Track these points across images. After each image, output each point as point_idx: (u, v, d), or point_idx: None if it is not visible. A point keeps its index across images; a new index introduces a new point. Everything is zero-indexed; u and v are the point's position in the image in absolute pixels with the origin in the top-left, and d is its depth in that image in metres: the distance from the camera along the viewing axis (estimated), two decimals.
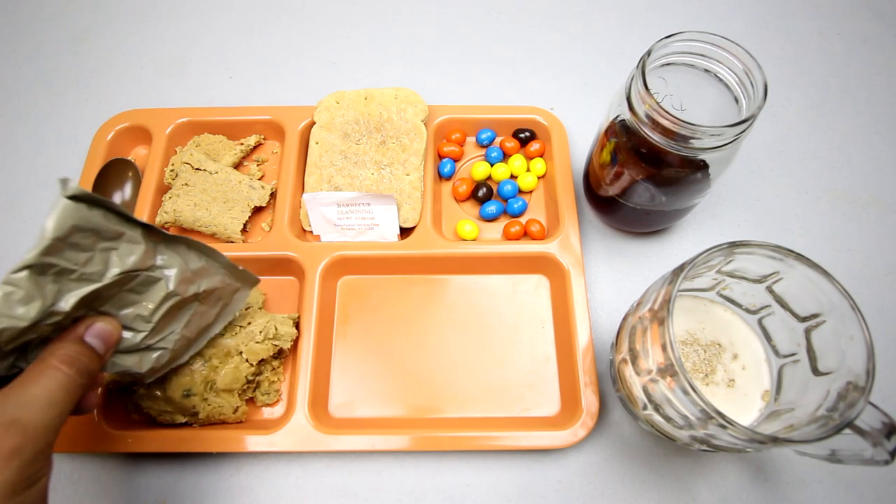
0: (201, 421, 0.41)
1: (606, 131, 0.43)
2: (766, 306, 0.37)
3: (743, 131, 0.35)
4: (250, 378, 0.42)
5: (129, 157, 0.53)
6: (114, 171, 0.51)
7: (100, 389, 0.41)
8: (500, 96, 0.59)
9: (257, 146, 0.55)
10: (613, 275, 0.50)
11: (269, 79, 0.60)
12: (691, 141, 0.36)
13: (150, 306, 0.33)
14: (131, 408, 0.42)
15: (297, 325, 0.44)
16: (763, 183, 0.54)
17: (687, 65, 0.39)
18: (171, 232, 0.50)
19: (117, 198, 0.51)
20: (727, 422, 0.28)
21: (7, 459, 0.25)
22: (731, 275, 0.36)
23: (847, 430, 0.29)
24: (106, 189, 0.50)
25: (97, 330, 0.30)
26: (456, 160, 0.53)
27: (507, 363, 0.45)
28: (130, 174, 0.52)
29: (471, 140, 0.55)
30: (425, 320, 0.47)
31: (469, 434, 0.41)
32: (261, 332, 0.42)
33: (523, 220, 0.51)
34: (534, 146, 0.53)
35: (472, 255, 0.47)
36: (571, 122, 0.55)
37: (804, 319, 0.34)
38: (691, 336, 0.38)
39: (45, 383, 0.27)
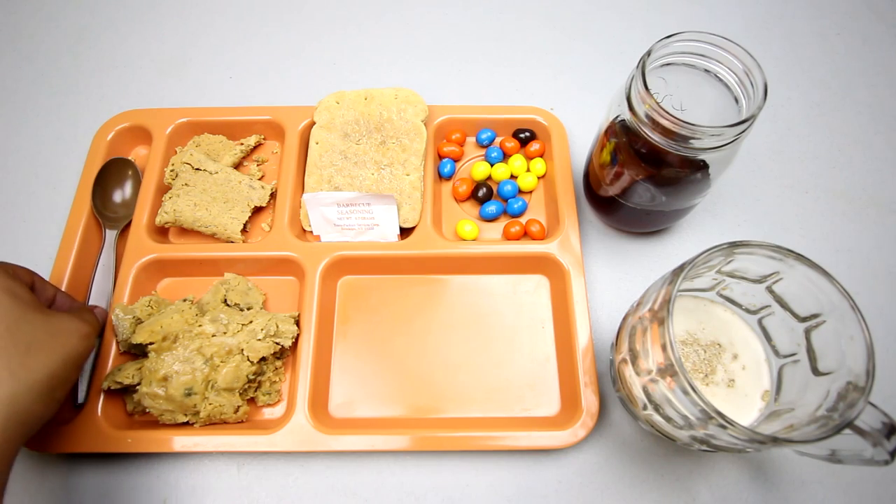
0: (203, 420, 0.41)
1: (606, 131, 0.43)
2: (766, 306, 0.37)
3: (743, 131, 0.35)
4: (251, 377, 0.42)
5: (129, 157, 0.53)
6: (114, 171, 0.51)
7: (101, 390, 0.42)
8: (500, 96, 0.59)
9: (257, 146, 0.55)
10: (613, 275, 0.50)
11: (269, 79, 0.60)
12: (691, 141, 0.36)
13: None
14: (131, 408, 0.43)
15: (297, 324, 0.44)
16: (763, 183, 0.54)
17: (687, 65, 0.39)
18: (171, 232, 0.51)
19: (117, 197, 0.51)
20: (727, 422, 0.28)
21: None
22: (731, 275, 0.36)
23: (847, 430, 0.29)
24: (106, 189, 0.50)
25: (99, 310, 0.44)
26: (456, 160, 0.53)
27: (507, 363, 0.45)
28: (130, 174, 0.52)
29: (471, 140, 0.55)
30: (425, 320, 0.47)
31: (469, 434, 0.41)
32: (262, 329, 0.42)
33: (523, 220, 0.51)
34: (534, 146, 0.53)
35: (472, 255, 0.47)
36: (571, 122, 0.55)
37: (804, 319, 0.34)
38: (691, 336, 0.38)
39: (83, 322, 0.37)
